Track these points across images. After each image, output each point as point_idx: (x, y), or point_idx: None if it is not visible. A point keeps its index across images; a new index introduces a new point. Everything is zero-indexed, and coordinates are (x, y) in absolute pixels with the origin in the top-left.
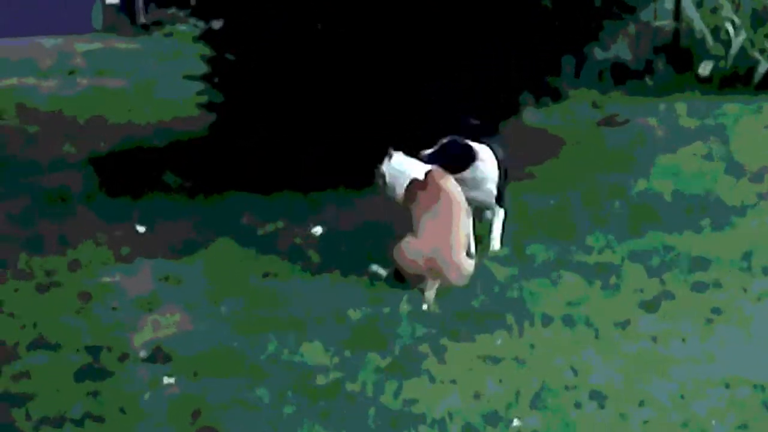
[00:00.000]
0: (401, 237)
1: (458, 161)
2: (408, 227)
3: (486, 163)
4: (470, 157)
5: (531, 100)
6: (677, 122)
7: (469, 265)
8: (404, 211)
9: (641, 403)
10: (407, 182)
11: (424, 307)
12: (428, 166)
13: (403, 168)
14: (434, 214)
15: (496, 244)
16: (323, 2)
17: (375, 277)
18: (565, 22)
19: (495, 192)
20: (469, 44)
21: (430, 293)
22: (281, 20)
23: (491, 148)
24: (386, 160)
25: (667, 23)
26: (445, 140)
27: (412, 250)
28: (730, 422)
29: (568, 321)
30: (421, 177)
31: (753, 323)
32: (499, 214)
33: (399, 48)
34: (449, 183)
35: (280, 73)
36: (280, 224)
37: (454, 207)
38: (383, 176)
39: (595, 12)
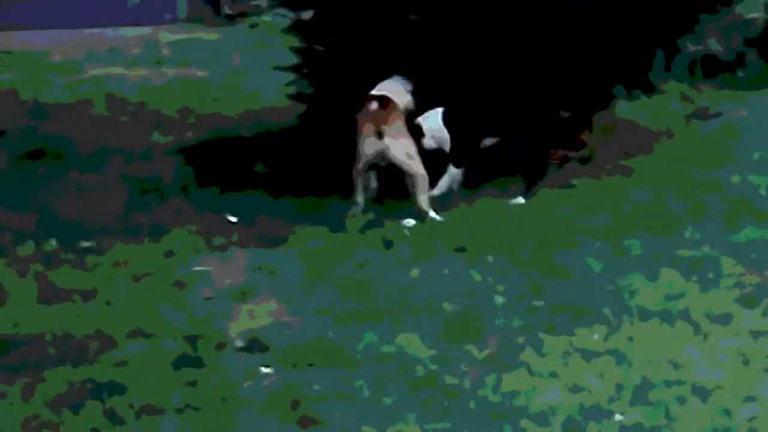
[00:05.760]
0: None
1: None
2: None
3: None
4: None
5: (623, 92)
6: None
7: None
8: None
9: (747, 400)
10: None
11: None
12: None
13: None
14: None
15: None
16: None
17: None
18: (661, 14)
19: None
20: (563, 36)
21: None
22: (372, 11)
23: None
24: None
25: (758, 15)
26: None
27: None
28: None
29: (667, 315)
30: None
31: None
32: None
33: (493, 39)
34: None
35: (371, 63)
36: (371, 216)
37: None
38: None
39: (690, 4)
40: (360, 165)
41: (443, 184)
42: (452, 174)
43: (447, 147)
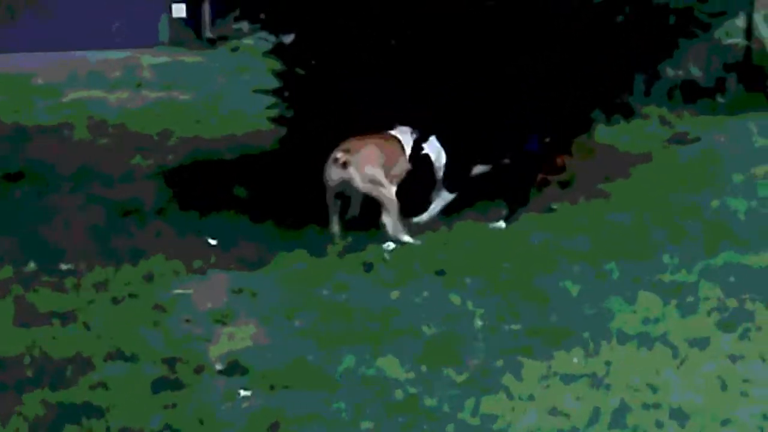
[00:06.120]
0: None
1: None
2: None
3: None
4: None
5: (602, 117)
6: (750, 141)
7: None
8: None
9: (724, 423)
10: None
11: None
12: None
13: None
14: None
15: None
16: (396, 17)
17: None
18: (640, 39)
19: None
20: (541, 61)
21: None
22: (352, 35)
23: None
24: None
25: (738, 41)
26: None
27: None
28: None
29: (645, 339)
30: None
31: None
32: None
33: (472, 63)
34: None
35: (351, 86)
36: (351, 240)
37: None
38: None
39: (670, 29)
40: (328, 194)
41: (435, 208)
42: (445, 199)
43: (441, 173)
